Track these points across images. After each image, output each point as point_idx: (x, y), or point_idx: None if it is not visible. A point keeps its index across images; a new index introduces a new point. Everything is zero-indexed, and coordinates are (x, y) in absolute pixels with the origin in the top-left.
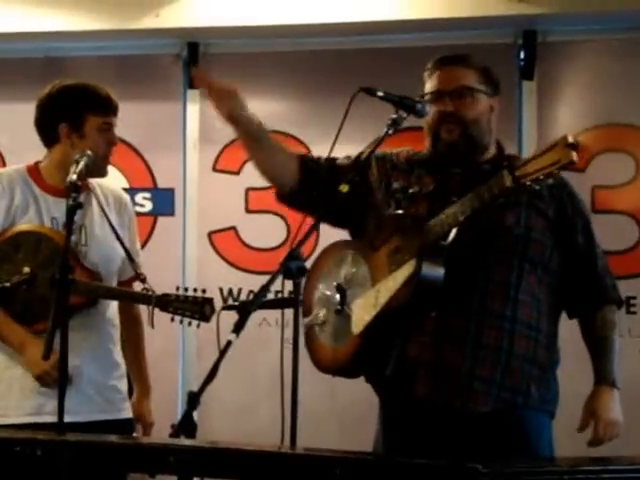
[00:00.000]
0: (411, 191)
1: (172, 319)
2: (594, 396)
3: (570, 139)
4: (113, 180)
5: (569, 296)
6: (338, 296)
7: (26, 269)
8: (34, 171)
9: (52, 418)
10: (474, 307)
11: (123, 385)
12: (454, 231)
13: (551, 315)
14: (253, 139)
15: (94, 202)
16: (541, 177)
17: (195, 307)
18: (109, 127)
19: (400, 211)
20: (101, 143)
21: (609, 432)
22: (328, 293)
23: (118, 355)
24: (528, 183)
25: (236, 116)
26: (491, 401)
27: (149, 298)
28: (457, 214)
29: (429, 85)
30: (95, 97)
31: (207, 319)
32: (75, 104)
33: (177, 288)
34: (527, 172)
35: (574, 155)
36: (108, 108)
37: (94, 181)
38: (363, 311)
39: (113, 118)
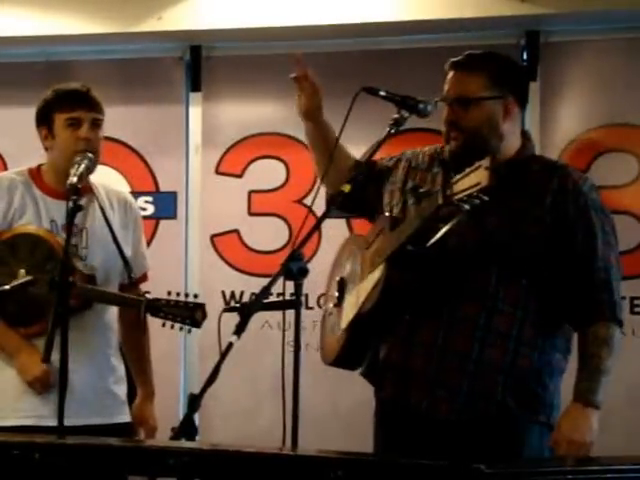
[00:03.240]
0: (421, 190)
1: (163, 324)
2: (565, 413)
3: (487, 164)
4: (115, 183)
5: (563, 307)
6: (337, 290)
7: (22, 271)
8: (36, 173)
9: (47, 421)
10: (446, 313)
11: (121, 389)
12: (438, 235)
13: (543, 325)
14: (322, 140)
15: (96, 205)
16: (465, 198)
17: (186, 312)
18: (76, 122)
19: (387, 213)
20: (68, 140)
21: (572, 452)
22: (335, 286)
23: (116, 359)
24: (456, 202)
25: (316, 114)
26: (456, 409)
27: (139, 303)
28: (413, 222)
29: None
30: (60, 95)
31: (198, 325)
32: (45, 106)
33: (169, 293)
34: (455, 191)
35: (490, 180)
36: (73, 103)
37: (99, 184)
38: (349, 308)
39: (83, 113)
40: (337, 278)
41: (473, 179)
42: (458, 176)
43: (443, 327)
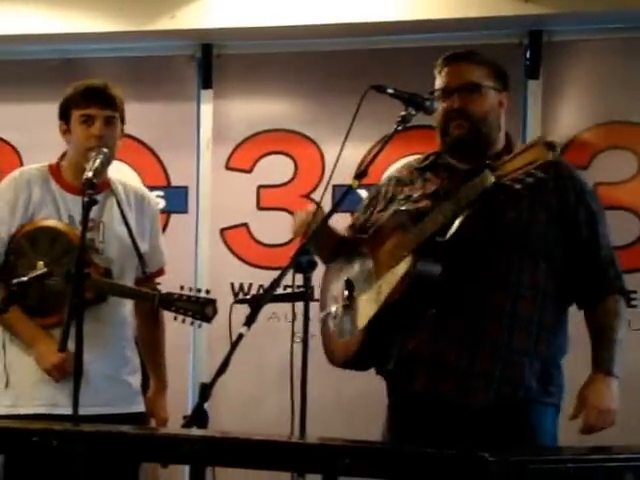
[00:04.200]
0: (415, 195)
1: (175, 318)
2: (588, 384)
3: (547, 139)
4: (128, 177)
5: (574, 287)
6: (346, 291)
7: (40, 264)
8: (55, 169)
9: (63, 410)
10: (473, 303)
11: (135, 380)
12: (455, 227)
13: (557, 307)
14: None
15: (114, 200)
16: (520, 176)
17: (197, 307)
18: (89, 119)
19: (403, 208)
20: (82, 136)
21: (600, 420)
22: (340, 288)
23: (131, 351)
24: (508, 182)
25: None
26: (491, 396)
27: (152, 297)
28: (446, 212)
29: (438, 82)
30: (77, 92)
31: (208, 320)
32: (65, 102)
33: (182, 287)
34: (507, 171)
35: (550, 154)
36: (87, 100)
37: (117, 180)
38: (367, 306)
39: (96, 110)
40: (344, 279)
41: (529, 156)
42: (506, 157)
43: (471, 317)
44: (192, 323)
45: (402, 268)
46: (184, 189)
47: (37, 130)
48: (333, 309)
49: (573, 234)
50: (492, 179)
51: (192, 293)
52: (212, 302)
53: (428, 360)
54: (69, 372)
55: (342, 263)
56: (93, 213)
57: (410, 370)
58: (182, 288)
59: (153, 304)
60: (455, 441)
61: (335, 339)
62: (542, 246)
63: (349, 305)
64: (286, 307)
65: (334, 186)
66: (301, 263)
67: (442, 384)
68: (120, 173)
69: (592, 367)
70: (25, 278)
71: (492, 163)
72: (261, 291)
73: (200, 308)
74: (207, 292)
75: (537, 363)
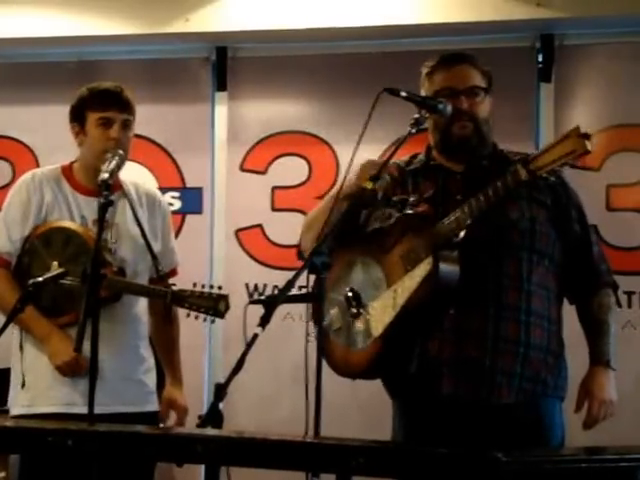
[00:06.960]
0: (411, 199)
1: (188, 315)
2: (589, 376)
3: (582, 130)
4: (144, 179)
5: (568, 283)
6: (354, 300)
7: (54, 264)
8: (67, 170)
9: (79, 409)
10: (490, 302)
11: (150, 379)
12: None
13: (558, 303)
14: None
15: (126, 201)
16: (557, 168)
17: (210, 303)
18: (106, 122)
19: (410, 211)
20: (99, 139)
21: (603, 411)
22: (341, 299)
23: (145, 350)
24: (544, 175)
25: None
26: (513, 392)
27: (165, 293)
28: (473, 209)
29: (435, 83)
30: (94, 94)
31: (221, 315)
32: (79, 103)
33: (194, 285)
34: (541, 165)
35: (588, 144)
36: (105, 103)
37: (129, 181)
38: (382, 313)
39: (115, 113)
40: (346, 289)
41: (564, 148)
42: (536, 152)
43: (491, 316)
44: (205, 319)
45: (422, 270)
46: (199, 190)
47: (54, 132)
48: (335, 322)
49: (567, 231)
50: (525, 173)
51: (205, 289)
52: (224, 297)
53: (452, 361)
54: (79, 371)
55: (336, 275)
56: (106, 214)
57: (434, 373)
58: (195, 285)
59: (166, 301)
60: (477, 439)
61: (343, 351)
62: (545, 244)
63: (357, 314)
64: (300, 307)
65: None
66: (315, 264)
67: (468, 384)
68: (134, 174)
69: (591, 360)
70: (41, 278)
71: (523, 158)
72: (276, 291)
73: (213, 304)
74: (219, 288)
75: (550, 358)
